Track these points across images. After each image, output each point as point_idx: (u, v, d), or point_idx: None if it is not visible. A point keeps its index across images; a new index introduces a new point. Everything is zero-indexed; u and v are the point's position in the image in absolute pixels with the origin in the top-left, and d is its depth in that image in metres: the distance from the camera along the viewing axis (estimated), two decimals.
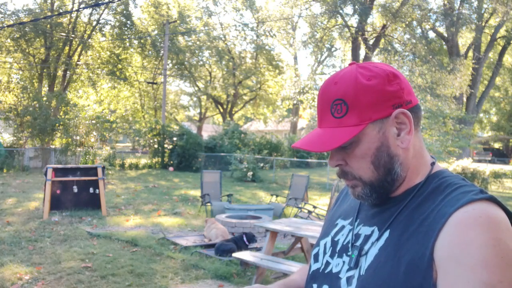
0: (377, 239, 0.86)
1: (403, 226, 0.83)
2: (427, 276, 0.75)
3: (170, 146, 20.16)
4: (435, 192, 0.84)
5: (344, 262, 0.91)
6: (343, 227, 0.99)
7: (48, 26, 22.17)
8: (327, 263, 0.95)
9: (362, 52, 24.49)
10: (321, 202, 11.63)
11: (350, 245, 0.92)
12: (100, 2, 19.54)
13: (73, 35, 23.49)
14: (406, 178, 0.88)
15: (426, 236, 0.77)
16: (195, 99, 36.55)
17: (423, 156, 0.91)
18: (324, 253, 0.98)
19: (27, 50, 23.22)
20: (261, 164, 20.67)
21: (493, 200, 0.78)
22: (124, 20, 26.67)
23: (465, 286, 0.70)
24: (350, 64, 0.90)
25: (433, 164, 0.91)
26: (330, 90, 0.88)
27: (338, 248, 0.95)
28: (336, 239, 0.98)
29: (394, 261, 0.80)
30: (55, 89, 23.21)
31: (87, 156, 18.59)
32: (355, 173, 0.88)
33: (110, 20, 26.74)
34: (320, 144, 0.86)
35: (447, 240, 0.74)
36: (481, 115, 36.70)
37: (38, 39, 23.03)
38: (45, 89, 23.13)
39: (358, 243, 0.90)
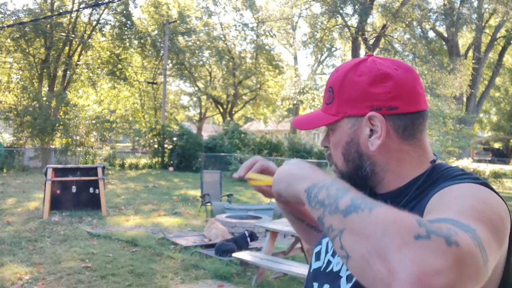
0: None
1: None
2: None
3: (170, 146, 20.16)
4: (431, 186, 0.83)
5: None
6: None
7: (48, 26, 22.16)
8: (329, 262, 0.95)
9: (362, 52, 24.49)
10: None
11: None
12: (100, 2, 19.54)
13: (73, 35, 23.49)
14: (388, 178, 0.87)
15: None
16: (195, 99, 36.54)
17: (419, 161, 0.88)
18: (326, 251, 0.98)
19: (27, 50, 23.22)
20: None
21: (486, 185, 0.78)
22: (124, 20, 26.67)
23: (451, 209, 0.70)
24: (366, 55, 0.91)
25: (433, 161, 0.89)
26: (332, 76, 0.92)
27: None
28: None
29: None
30: (55, 89, 23.21)
31: (87, 156, 18.58)
32: (333, 158, 0.93)
33: (110, 20, 26.76)
34: (302, 123, 0.96)
35: (431, 202, 0.76)
36: (481, 115, 36.67)
37: (38, 39, 23.03)
38: (45, 89, 23.12)
39: None
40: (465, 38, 26.99)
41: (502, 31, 25.96)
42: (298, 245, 5.62)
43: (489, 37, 25.77)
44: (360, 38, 22.88)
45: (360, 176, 0.89)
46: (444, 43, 25.99)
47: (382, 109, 0.84)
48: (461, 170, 0.85)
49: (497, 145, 43.55)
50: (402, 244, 0.59)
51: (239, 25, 32.84)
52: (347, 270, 0.88)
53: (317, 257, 1.00)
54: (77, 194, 8.73)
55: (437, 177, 0.84)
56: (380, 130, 0.84)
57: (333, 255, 0.95)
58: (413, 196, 0.84)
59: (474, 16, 22.83)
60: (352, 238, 0.65)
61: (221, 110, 34.62)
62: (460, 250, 0.59)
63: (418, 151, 0.88)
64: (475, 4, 23.29)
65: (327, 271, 0.94)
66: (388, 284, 0.59)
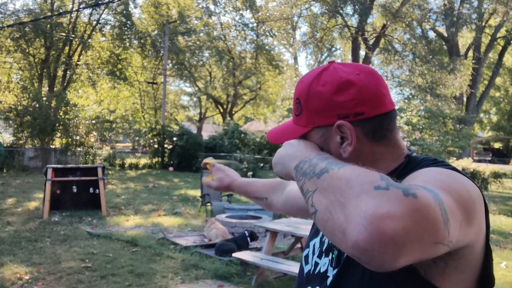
0: None
1: None
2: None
3: (170, 146, 20.15)
4: (407, 174, 0.82)
5: (329, 260, 0.93)
6: None
7: (48, 26, 22.13)
8: (316, 264, 0.97)
9: (363, 52, 24.49)
10: None
11: (332, 244, 0.93)
12: (100, 2, 19.54)
13: (73, 35, 23.46)
14: None
15: None
16: (195, 99, 36.50)
17: (393, 157, 0.90)
18: (313, 254, 1.00)
19: (27, 50, 23.18)
20: (261, 164, 20.66)
21: (457, 170, 0.80)
22: (124, 20, 26.64)
23: (417, 180, 0.71)
24: (329, 63, 0.92)
25: (408, 156, 0.90)
26: (297, 87, 0.95)
27: (324, 248, 0.96)
28: (323, 239, 0.99)
29: None
30: (55, 89, 23.17)
31: (87, 156, 18.57)
32: None
33: (110, 20, 26.71)
34: (277, 136, 1.01)
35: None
36: (481, 115, 36.67)
37: (38, 39, 22.99)
38: (45, 89, 23.10)
39: None
40: (465, 38, 26.98)
41: (502, 31, 25.96)
42: (298, 245, 5.62)
43: (489, 37, 25.77)
44: (360, 38, 22.87)
45: None
46: (444, 43, 25.98)
47: (349, 116, 0.85)
48: (435, 159, 0.87)
49: (497, 145, 43.51)
50: (361, 193, 0.62)
51: (239, 25, 32.82)
52: (333, 269, 0.90)
53: (306, 261, 1.02)
54: (77, 194, 8.72)
55: (413, 166, 0.85)
56: (350, 137, 0.85)
57: (319, 256, 0.96)
58: None
59: (474, 16, 22.83)
60: (321, 194, 0.68)
61: (221, 110, 34.60)
62: (417, 201, 0.60)
63: (391, 149, 0.89)
64: (475, 4, 23.29)
65: (315, 273, 0.95)
66: (344, 229, 0.61)
